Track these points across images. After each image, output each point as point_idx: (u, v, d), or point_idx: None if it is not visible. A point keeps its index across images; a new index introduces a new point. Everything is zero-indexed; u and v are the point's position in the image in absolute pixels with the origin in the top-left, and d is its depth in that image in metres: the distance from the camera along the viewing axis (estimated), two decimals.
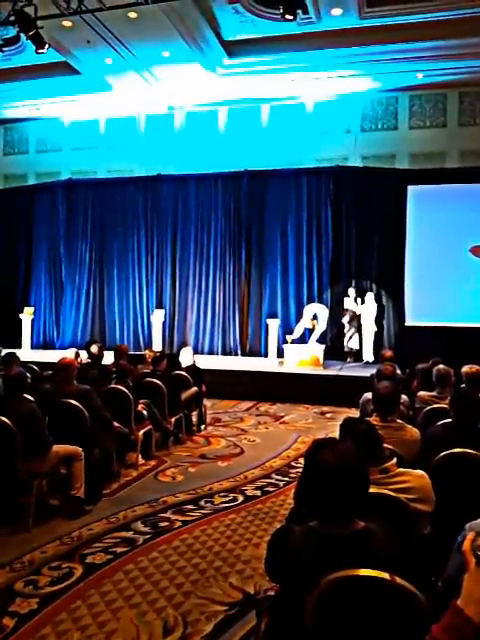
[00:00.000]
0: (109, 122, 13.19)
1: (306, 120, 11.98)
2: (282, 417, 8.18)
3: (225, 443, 6.62)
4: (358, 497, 1.76)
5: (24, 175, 13.91)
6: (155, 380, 6.18)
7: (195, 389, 7.07)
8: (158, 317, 12.10)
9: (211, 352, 12.38)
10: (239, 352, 12.31)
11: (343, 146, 11.80)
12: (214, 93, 11.55)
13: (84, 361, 7.10)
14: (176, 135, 12.78)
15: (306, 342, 10.84)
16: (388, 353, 7.07)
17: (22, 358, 6.75)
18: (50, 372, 5.71)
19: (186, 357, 7.61)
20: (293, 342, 10.77)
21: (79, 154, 13.40)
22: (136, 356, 9.01)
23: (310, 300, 11.58)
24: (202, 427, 7.29)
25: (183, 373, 7.00)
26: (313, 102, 11.91)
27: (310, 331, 10.92)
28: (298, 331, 10.93)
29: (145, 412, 5.81)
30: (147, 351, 8.57)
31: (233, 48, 10.23)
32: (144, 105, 12.47)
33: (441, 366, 4.83)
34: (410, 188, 11.37)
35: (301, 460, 5.56)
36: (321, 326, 10.89)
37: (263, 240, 12.38)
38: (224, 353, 12.36)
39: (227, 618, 2.95)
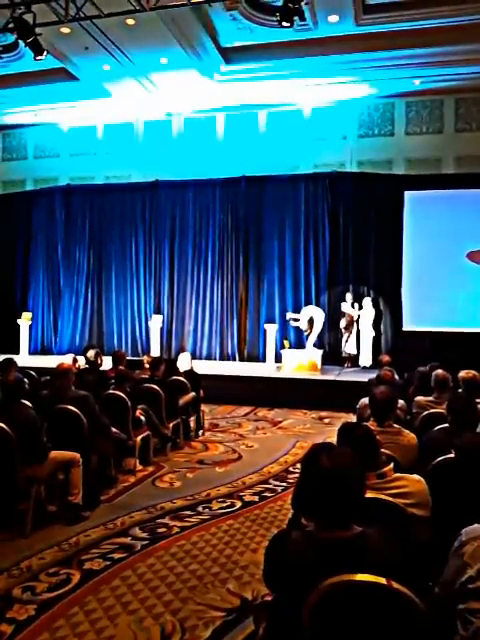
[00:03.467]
0: (107, 128, 13.24)
1: (303, 126, 12.04)
2: (280, 422, 8.17)
3: (223, 448, 6.62)
4: (354, 501, 1.76)
5: (22, 181, 13.93)
6: (153, 386, 6.17)
7: (193, 394, 7.07)
8: (156, 323, 12.09)
9: (209, 357, 12.39)
10: (237, 357, 12.32)
11: (340, 152, 11.85)
12: (212, 99, 11.60)
13: (82, 367, 7.09)
14: (174, 141, 12.83)
15: (303, 346, 10.85)
16: (386, 358, 7.08)
17: (20, 364, 6.76)
18: (48, 378, 5.71)
19: (184, 362, 7.61)
20: (290, 346, 10.77)
21: (77, 160, 13.43)
22: (134, 362, 9.00)
23: (308, 305, 11.58)
24: (200, 432, 7.28)
25: (181, 378, 6.99)
26: (310, 108, 11.97)
27: (306, 335, 10.93)
28: (294, 315, 10.97)
29: (143, 418, 5.81)
30: (145, 357, 8.57)
31: (231, 55, 10.29)
32: (142, 111, 12.51)
33: (439, 371, 4.82)
34: (407, 193, 11.41)
35: (299, 465, 5.55)
36: (317, 329, 10.90)
37: (261, 245, 12.41)
38: (222, 358, 12.37)
39: (225, 624, 2.94)
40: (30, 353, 12.47)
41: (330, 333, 11.62)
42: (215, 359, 12.35)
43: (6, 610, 3.03)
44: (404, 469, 2.75)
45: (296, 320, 10.97)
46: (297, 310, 11.50)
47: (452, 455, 2.82)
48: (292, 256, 12.15)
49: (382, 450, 2.68)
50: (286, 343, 10.85)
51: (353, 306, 11.27)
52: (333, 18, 9.08)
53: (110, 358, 7.29)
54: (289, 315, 11.13)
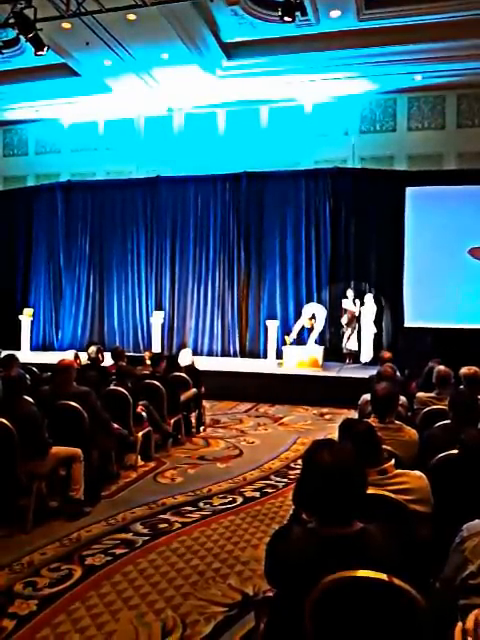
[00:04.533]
0: (108, 124, 13.21)
1: (305, 122, 12.01)
2: (281, 418, 8.18)
3: (224, 444, 6.62)
4: (355, 497, 1.76)
5: (23, 177, 13.92)
6: (154, 382, 6.17)
7: (194, 390, 7.07)
8: (157, 319, 12.09)
9: (210, 353, 12.39)
10: (238, 353, 12.32)
11: (342, 148, 11.82)
12: (213, 95, 11.57)
13: (84, 363, 7.10)
14: (175, 137, 12.80)
15: (305, 343, 10.84)
16: (387, 354, 7.07)
17: (21, 360, 6.76)
18: (49, 374, 5.72)
19: (185, 358, 7.61)
20: (291, 343, 10.78)
21: (78, 156, 13.41)
22: (135, 358, 9.01)
23: (309, 301, 11.58)
24: (201, 428, 7.29)
25: (182, 374, 6.99)
26: (312, 104, 11.93)
27: (309, 331, 10.92)
28: (296, 330, 10.92)
29: (144, 414, 5.81)
30: (146, 353, 8.58)
31: (232, 50, 10.25)
32: (143, 107, 12.48)
33: (441, 367, 4.82)
34: (408, 189, 11.38)
35: (300, 462, 5.56)
36: (319, 325, 10.89)
37: (262, 241, 12.39)
38: (223, 354, 12.37)
39: (226, 619, 2.95)
40: (31, 349, 12.47)
41: (331, 329, 11.61)
42: (216, 355, 12.34)
43: (8, 605, 3.04)
44: (405, 465, 2.75)
45: (290, 333, 10.91)
46: (298, 306, 11.52)
47: (454, 451, 2.82)
48: (293, 252, 12.13)
49: (383, 446, 2.68)
50: (287, 339, 10.84)
51: (354, 302, 11.26)
52: (335, 13, 9.03)
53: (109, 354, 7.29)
54: (287, 339, 10.98)
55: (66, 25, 8.79)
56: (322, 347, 10.77)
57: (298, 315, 11.32)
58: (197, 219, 12.78)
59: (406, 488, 2.45)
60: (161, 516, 4.35)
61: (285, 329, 11.45)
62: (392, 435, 3.25)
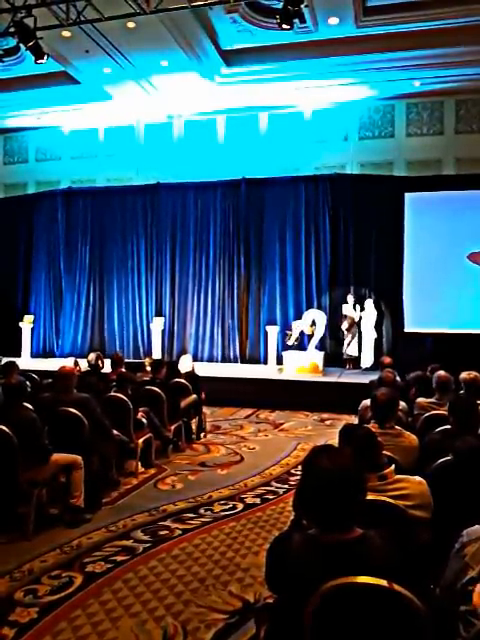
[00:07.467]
0: (108, 131, 13.26)
1: (304, 128, 12.05)
2: (281, 424, 8.17)
3: (225, 451, 6.62)
4: (355, 503, 1.76)
5: (24, 184, 13.96)
6: (154, 388, 6.17)
7: (194, 397, 7.06)
8: (158, 325, 12.11)
9: (211, 359, 12.39)
10: (238, 359, 12.32)
11: (341, 154, 11.86)
12: (212, 102, 11.62)
13: (84, 369, 7.10)
14: (175, 144, 12.85)
15: (305, 348, 10.84)
16: (387, 360, 7.07)
17: (22, 367, 6.76)
18: (50, 381, 5.72)
19: (185, 364, 7.61)
20: (291, 346, 10.76)
21: (78, 163, 13.46)
22: (136, 364, 9.01)
23: (309, 307, 11.60)
24: (201, 435, 7.28)
25: (182, 381, 6.99)
26: (311, 110, 11.98)
27: (309, 337, 10.92)
28: (295, 329, 10.90)
29: (144, 420, 5.81)
30: (146, 359, 8.57)
31: (231, 57, 10.30)
32: (143, 114, 12.54)
33: (442, 372, 4.81)
34: (407, 195, 11.41)
35: (300, 467, 5.55)
36: (319, 332, 10.89)
37: (262, 247, 12.42)
38: (223, 360, 12.37)
39: (226, 626, 2.94)
40: (32, 356, 12.49)
41: (331, 335, 11.61)
42: (217, 361, 12.34)
43: (8, 613, 3.04)
44: (405, 471, 2.75)
45: (293, 333, 10.91)
46: (298, 312, 11.52)
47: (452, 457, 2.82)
48: (293, 258, 12.15)
49: (383, 452, 2.68)
50: (288, 334, 10.78)
51: (355, 308, 11.26)
52: (333, 20, 9.08)
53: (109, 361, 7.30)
54: (289, 333, 10.98)
55: (66, 33, 8.84)
56: (322, 353, 10.76)
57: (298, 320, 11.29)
58: (197, 225, 12.80)
59: (406, 493, 2.45)
60: (162, 523, 4.35)
61: (285, 335, 11.46)
62: (392, 440, 3.25)
